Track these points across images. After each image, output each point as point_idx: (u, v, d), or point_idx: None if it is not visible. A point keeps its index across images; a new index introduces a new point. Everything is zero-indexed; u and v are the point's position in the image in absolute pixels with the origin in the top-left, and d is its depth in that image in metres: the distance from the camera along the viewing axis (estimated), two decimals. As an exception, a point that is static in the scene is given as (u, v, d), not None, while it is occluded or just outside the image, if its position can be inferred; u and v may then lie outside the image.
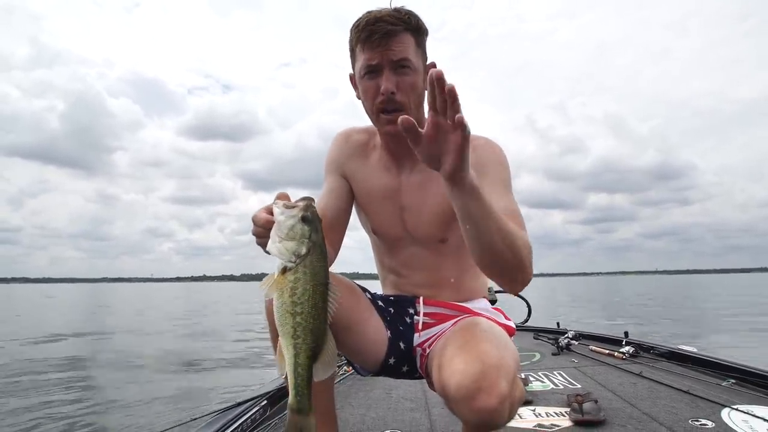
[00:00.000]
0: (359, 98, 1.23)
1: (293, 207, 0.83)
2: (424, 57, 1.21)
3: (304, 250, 0.82)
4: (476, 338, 1.05)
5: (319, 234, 0.83)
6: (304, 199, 0.85)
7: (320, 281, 0.83)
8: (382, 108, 1.16)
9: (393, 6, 1.16)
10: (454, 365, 0.99)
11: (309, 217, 0.82)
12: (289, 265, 0.82)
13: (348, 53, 1.23)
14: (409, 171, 1.26)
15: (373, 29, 1.11)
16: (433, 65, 1.22)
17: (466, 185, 0.87)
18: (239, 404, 1.98)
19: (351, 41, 1.19)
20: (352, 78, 1.24)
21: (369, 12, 1.16)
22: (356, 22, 1.16)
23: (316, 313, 0.83)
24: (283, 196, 0.87)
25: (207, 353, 7.82)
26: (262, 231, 0.86)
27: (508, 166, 1.21)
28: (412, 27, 1.15)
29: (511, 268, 0.96)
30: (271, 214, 0.85)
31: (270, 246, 0.83)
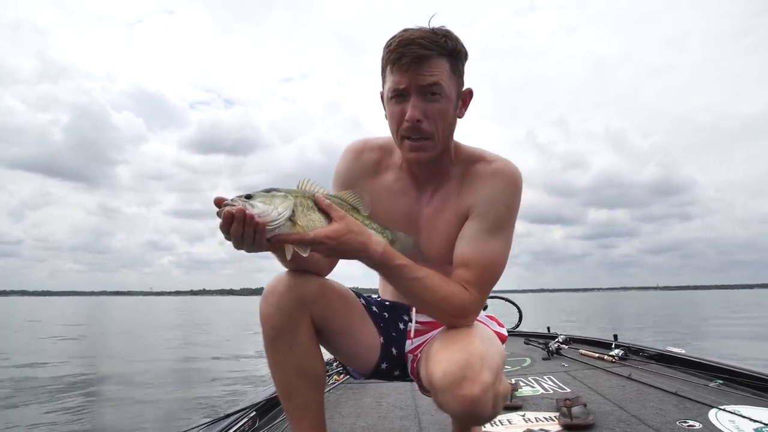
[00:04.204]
0: (387, 118, 1.16)
1: (238, 201, 0.92)
2: (460, 83, 1.13)
3: (285, 204, 0.96)
4: (463, 333, 1.10)
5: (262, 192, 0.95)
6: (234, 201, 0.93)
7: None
8: (406, 134, 1.11)
9: (431, 25, 1.09)
10: (441, 355, 1.04)
11: (249, 194, 0.93)
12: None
13: (380, 71, 1.15)
14: (430, 195, 1.23)
15: (404, 52, 1.04)
16: (470, 92, 1.17)
17: (374, 261, 1.04)
18: (227, 416, 1.96)
19: (382, 60, 1.12)
20: (381, 96, 1.17)
21: (404, 30, 1.08)
22: (389, 40, 1.08)
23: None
24: (219, 201, 0.93)
25: (197, 365, 7.75)
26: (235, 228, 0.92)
27: (516, 202, 1.16)
28: (448, 51, 1.08)
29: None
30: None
31: (278, 230, 0.94)
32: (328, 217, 1.01)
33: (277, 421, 1.99)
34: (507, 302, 4.56)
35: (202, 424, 1.89)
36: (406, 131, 1.10)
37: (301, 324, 1.14)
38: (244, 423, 1.90)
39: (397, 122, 1.11)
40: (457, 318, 1.12)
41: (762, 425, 1.67)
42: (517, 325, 4.54)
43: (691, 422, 1.76)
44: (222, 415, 1.98)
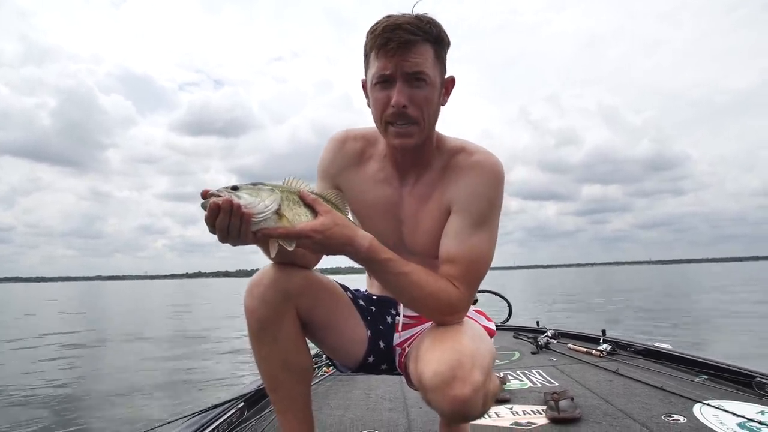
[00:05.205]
0: (369, 106, 1.15)
1: (224, 193, 0.91)
2: (443, 70, 1.13)
3: (272, 197, 0.95)
4: (453, 331, 1.08)
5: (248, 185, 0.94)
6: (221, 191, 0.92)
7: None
8: (391, 120, 1.09)
9: (415, 13, 1.07)
10: (431, 355, 1.02)
11: (235, 185, 0.92)
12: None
13: (363, 57, 1.14)
14: (412, 185, 1.21)
15: (390, 37, 1.03)
16: (452, 80, 1.16)
17: (360, 256, 1.03)
18: (215, 406, 1.95)
19: (366, 46, 1.10)
20: (363, 84, 1.16)
21: (389, 17, 1.06)
22: (373, 26, 1.07)
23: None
24: (204, 192, 0.91)
25: (189, 354, 7.73)
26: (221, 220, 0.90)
27: (498, 195, 1.14)
28: (433, 38, 1.07)
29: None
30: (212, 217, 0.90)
31: (264, 223, 0.93)
32: (313, 212, 1.00)
33: (265, 412, 1.99)
34: (497, 296, 4.57)
35: (189, 414, 1.88)
36: (392, 117, 1.08)
37: (286, 317, 1.13)
38: (232, 414, 1.90)
39: (381, 108, 1.09)
40: (445, 315, 1.11)
41: (745, 420, 1.70)
42: (507, 320, 4.56)
43: (676, 416, 1.78)
44: (210, 405, 1.97)
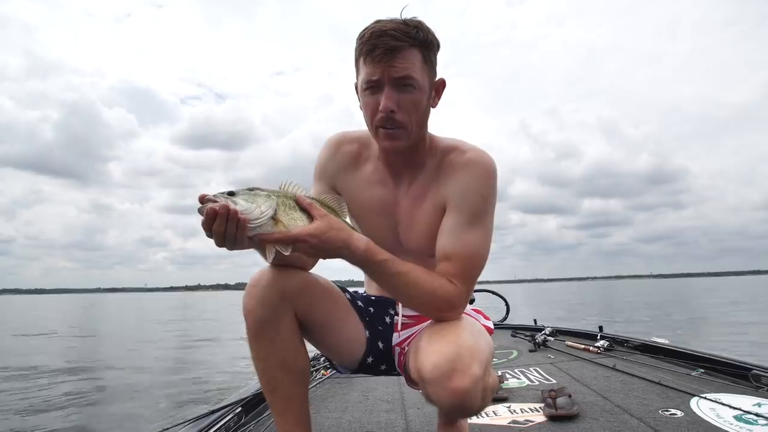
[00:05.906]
0: (361, 108, 1.17)
1: (221, 198, 0.91)
2: (432, 73, 1.14)
3: (269, 202, 0.95)
4: (452, 326, 1.09)
5: (246, 191, 0.95)
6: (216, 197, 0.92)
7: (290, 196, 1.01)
8: (381, 124, 1.11)
9: (403, 16, 1.09)
10: (430, 348, 1.04)
11: (232, 191, 0.93)
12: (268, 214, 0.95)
13: (354, 61, 1.16)
14: (407, 186, 1.23)
15: (377, 43, 1.05)
16: (443, 82, 1.18)
17: (357, 258, 1.03)
18: (213, 411, 1.94)
19: (356, 51, 1.12)
20: (356, 87, 1.18)
21: (377, 22, 1.09)
22: (362, 32, 1.09)
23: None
24: (202, 197, 0.92)
25: (185, 361, 7.70)
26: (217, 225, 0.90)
27: (491, 191, 1.16)
28: (420, 42, 1.08)
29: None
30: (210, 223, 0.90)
31: (260, 229, 0.94)
32: (309, 216, 1.01)
33: (263, 416, 1.98)
34: (494, 295, 4.59)
35: (187, 420, 1.87)
36: (381, 122, 1.10)
37: (284, 318, 1.14)
38: (230, 419, 1.89)
39: (371, 113, 1.11)
40: (443, 312, 1.12)
41: (741, 412, 1.71)
42: (505, 318, 4.57)
43: (673, 411, 1.78)
44: (208, 411, 1.96)
